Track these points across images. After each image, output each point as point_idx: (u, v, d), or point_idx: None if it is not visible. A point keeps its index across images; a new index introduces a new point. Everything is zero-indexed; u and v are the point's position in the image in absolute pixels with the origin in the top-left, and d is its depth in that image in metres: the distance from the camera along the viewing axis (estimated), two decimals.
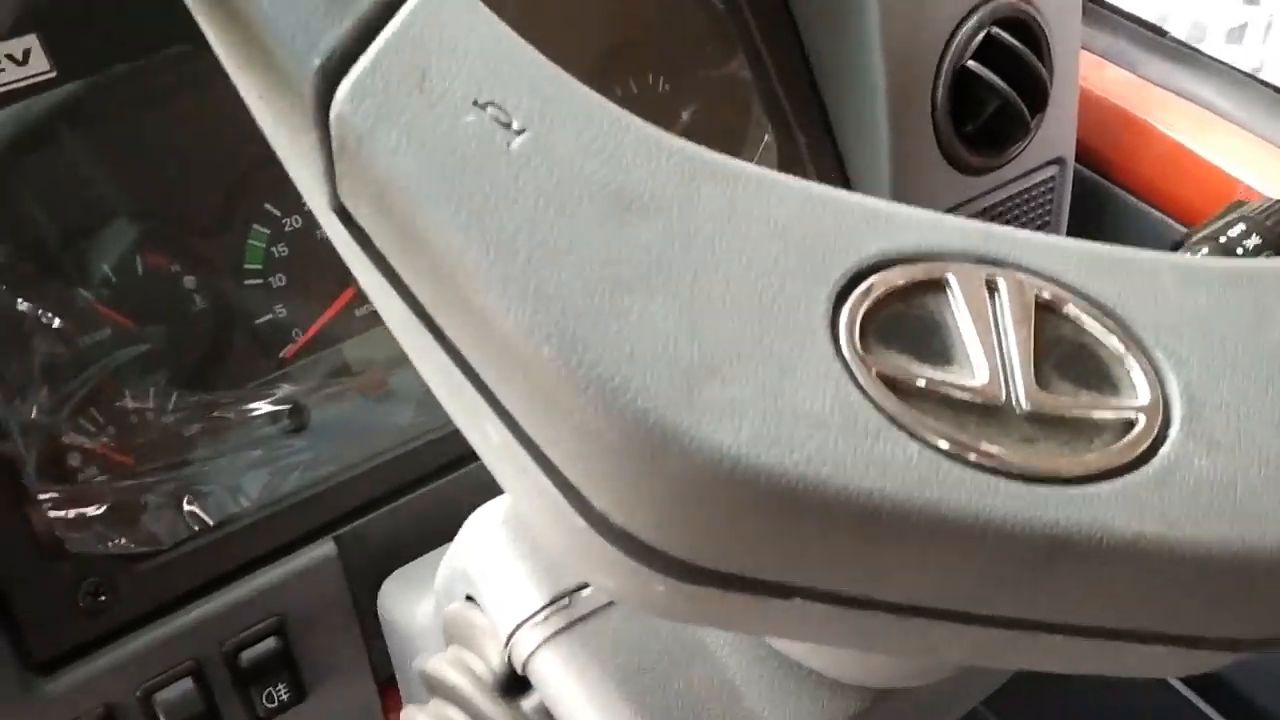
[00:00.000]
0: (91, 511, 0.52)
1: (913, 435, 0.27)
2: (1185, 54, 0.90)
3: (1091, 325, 0.30)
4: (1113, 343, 0.30)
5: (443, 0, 0.29)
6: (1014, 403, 0.28)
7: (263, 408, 0.56)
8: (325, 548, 0.57)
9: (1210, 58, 0.89)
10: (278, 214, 0.57)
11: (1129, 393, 0.29)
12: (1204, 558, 0.27)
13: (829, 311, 0.28)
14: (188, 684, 0.53)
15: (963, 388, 0.28)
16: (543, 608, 0.40)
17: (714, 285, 0.28)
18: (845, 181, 0.74)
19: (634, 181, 0.29)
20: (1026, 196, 0.82)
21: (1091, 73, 0.90)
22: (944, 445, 0.27)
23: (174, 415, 0.54)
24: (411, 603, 0.57)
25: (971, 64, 0.71)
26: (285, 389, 0.57)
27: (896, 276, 0.29)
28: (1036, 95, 0.74)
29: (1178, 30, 0.91)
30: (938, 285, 0.30)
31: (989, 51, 0.72)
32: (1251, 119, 0.85)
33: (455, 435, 0.32)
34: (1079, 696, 0.98)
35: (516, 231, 0.27)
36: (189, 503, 0.54)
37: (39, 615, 0.50)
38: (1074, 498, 0.27)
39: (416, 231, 0.27)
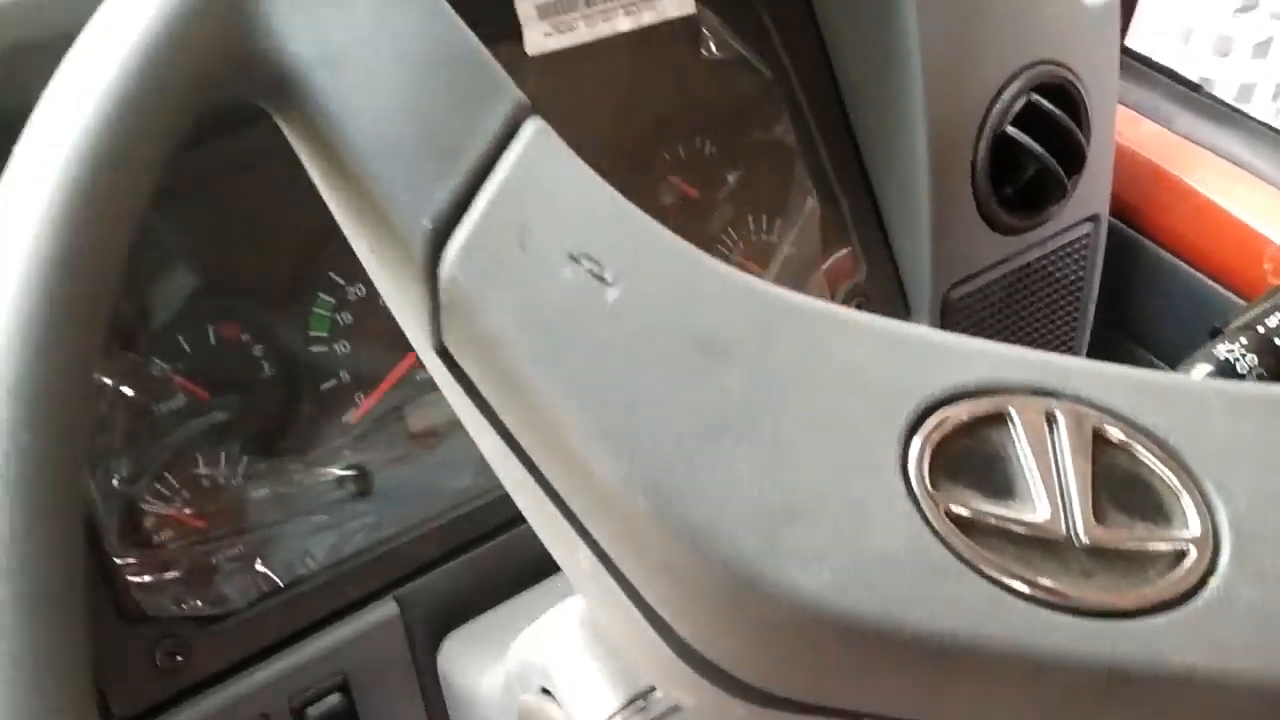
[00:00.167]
0: (168, 576, 0.54)
1: (980, 573, 0.29)
2: (1219, 110, 0.91)
3: (1145, 456, 0.32)
4: (1165, 473, 0.32)
5: (538, 155, 0.32)
6: (1073, 537, 0.30)
7: (329, 474, 0.58)
8: (387, 607, 0.59)
9: (1243, 114, 0.91)
10: (342, 283, 0.59)
11: (1180, 524, 0.31)
12: (1254, 687, 0.29)
13: (900, 450, 0.30)
14: None
15: (1026, 524, 0.30)
16: (619, 709, 0.42)
17: (793, 429, 0.30)
18: (885, 242, 0.76)
19: (718, 327, 0.31)
20: (1061, 253, 0.83)
21: (1126, 127, 0.91)
22: (1009, 582, 0.29)
23: (245, 480, 0.57)
24: (470, 662, 0.59)
25: (1011, 130, 0.73)
26: (350, 455, 0.59)
27: (961, 412, 0.31)
28: (1074, 159, 0.76)
29: (1225, 93, 0.92)
30: (1000, 418, 0.32)
31: (1028, 116, 0.74)
32: None
33: (509, 497, 0.34)
34: None
35: (613, 385, 0.29)
36: (260, 564, 0.56)
37: (119, 676, 0.52)
38: (1130, 631, 0.29)
39: (518, 383, 0.30)
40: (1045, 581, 0.29)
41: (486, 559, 0.62)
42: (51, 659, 0.24)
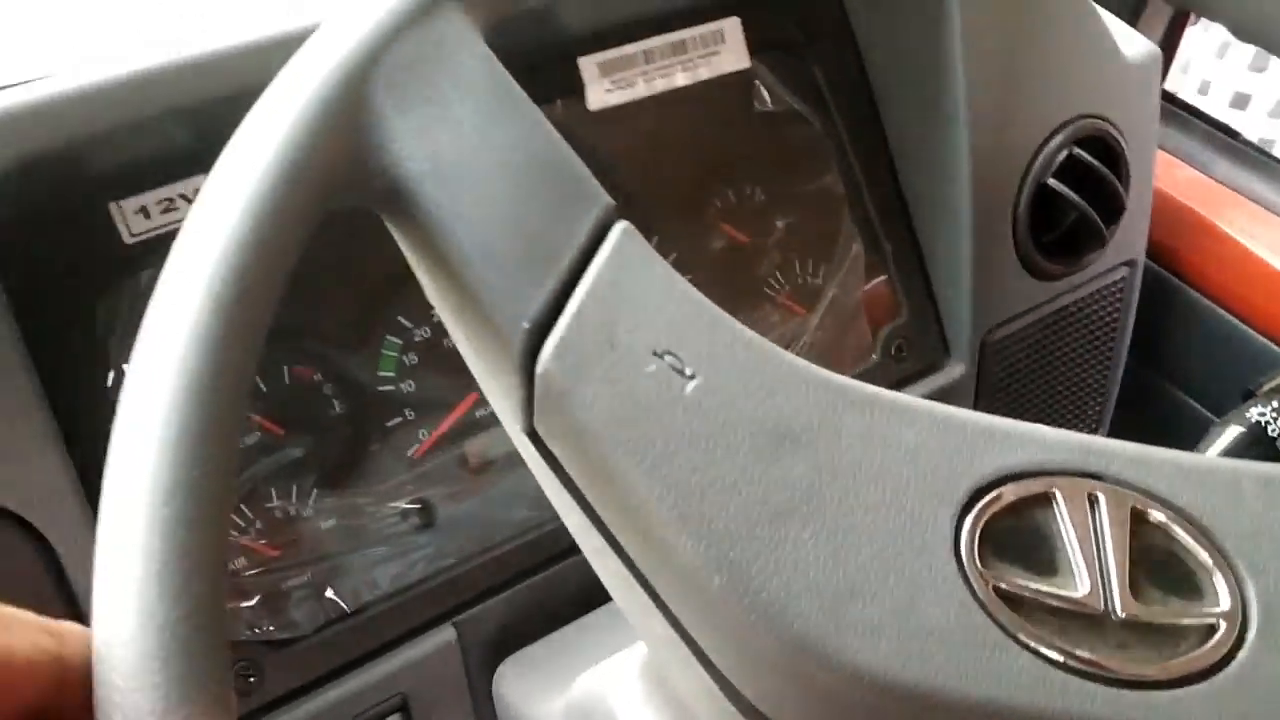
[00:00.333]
0: (245, 603, 0.57)
1: (1023, 645, 0.31)
2: (1256, 157, 0.93)
3: (1180, 535, 0.34)
4: (1199, 552, 0.34)
5: (624, 258, 0.35)
6: (1111, 611, 0.33)
7: (394, 507, 0.61)
8: (446, 633, 0.62)
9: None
10: (409, 326, 0.62)
11: (1212, 599, 0.33)
12: None
13: (952, 530, 0.33)
14: None
15: (1067, 598, 0.33)
16: None
17: (854, 511, 0.33)
18: (927, 287, 0.78)
19: (787, 417, 0.34)
20: (1097, 296, 0.85)
21: (1165, 172, 0.93)
22: (1049, 653, 0.31)
23: (315, 513, 0.60)
24: (524, 687, 0.62)
25: (1052, 182, 0.75)
26: (413, 489, 0.62)
27: (1009, 493, 0.34)
28: (1112, 208, 0.78)
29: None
30: (1045, 499, 0.34)
31: (1069, 168, 0.76)
32: None
33: (564, 528, 0.38)
34: None
35: (691, 472, 0.32)
36: (328, 592, 0.59)
37: None
38: (1160, 701, 0.32)
39: (604, 469, 0.33)
40: (1083, 653, 0.32)
41: (541, 588, 0.65)
42: None
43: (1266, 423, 0.51)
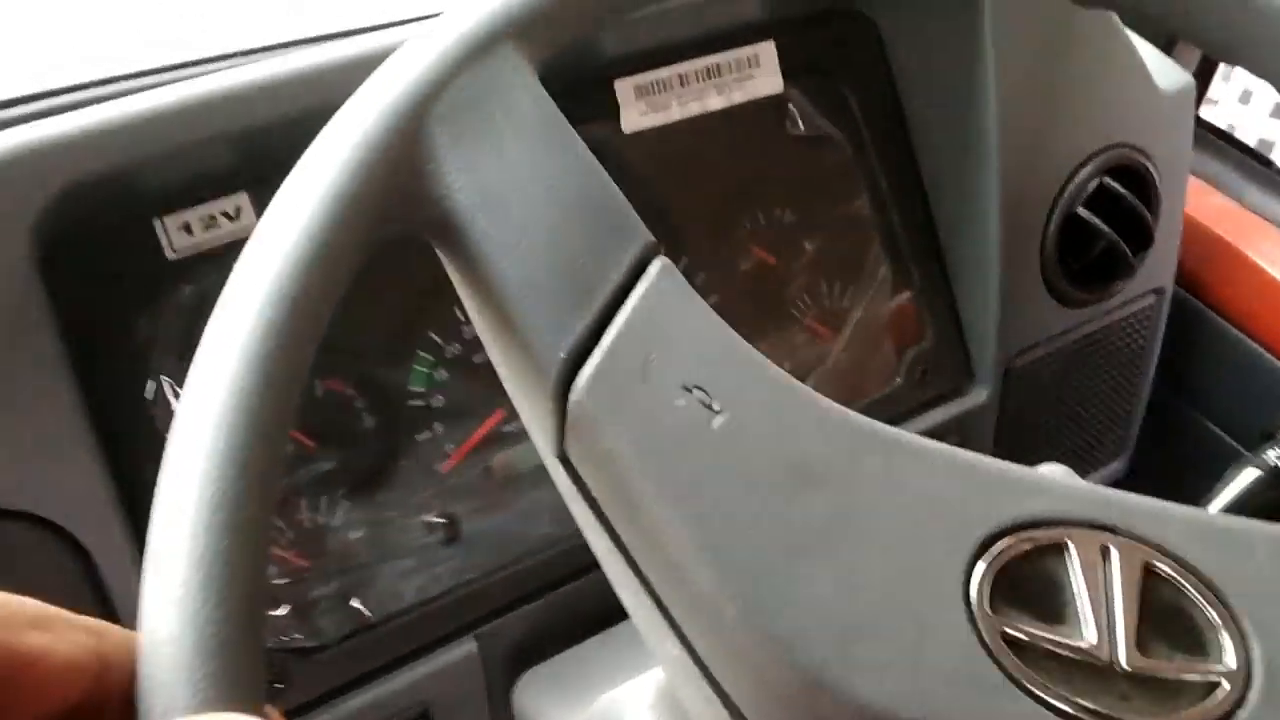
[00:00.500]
0: (274, 613, 0.59)
1: (1027, 692, 0.32)
2: None
3: (1190, 591, 0.35)
4: (1207, 609, 0.35)
5: (661, 293, 0.36)
6: (1116, 663, 0.33)
7: (421, 520, 0.63)
8: (468, 645, 0.63)
9: None
10: (440, 342, 0.63)
11: (1217, 657, 0.34)
12: None
13: (963, 574, 0.34)
14: None
15: (1073, 648, 0.33)
16: None
17: (869, 551, 0.33)
18: (953, 311, 0.78)
19: (809, 455, 0.34)
20: (1124, 324, 0.86)
21: (1196, 198, 0.93)
22: (1052, 701, 0.32)
23: (344, 524, 0.61)
24: (542, 700, 0.63)
25: (1082, 211, 0.76)
26: (439, 503, 0.63)
27: (1023, 542, 0.35)
28: (1141, 238, 0.78)
29: None
30: (1058, 549, 0.35)
31: (1099, 197, 0.77)
32: None
33: (585, 544, 0.39)
34: None
35: (713, 504, 0.33)
36: (355, 601, 0.61)
37: None
38: None
39: (630, 497, 0.34)
40: (1085, 702, 0.32)
41: (562, 602, 0.66)
42: None
43: None
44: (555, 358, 0.34)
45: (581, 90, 0.63)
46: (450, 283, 0.38)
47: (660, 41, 0.66)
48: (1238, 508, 0.66)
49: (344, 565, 0.61)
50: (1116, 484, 0.93)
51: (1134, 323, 0.87)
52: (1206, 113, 0.98)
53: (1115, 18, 0.74)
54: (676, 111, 0.67)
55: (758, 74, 0.69)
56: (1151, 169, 0.78)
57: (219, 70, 0.54)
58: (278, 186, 0.35)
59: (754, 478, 0.34)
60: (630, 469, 0.34)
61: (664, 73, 0.66)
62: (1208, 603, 0.35)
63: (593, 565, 0.58)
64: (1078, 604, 0.34)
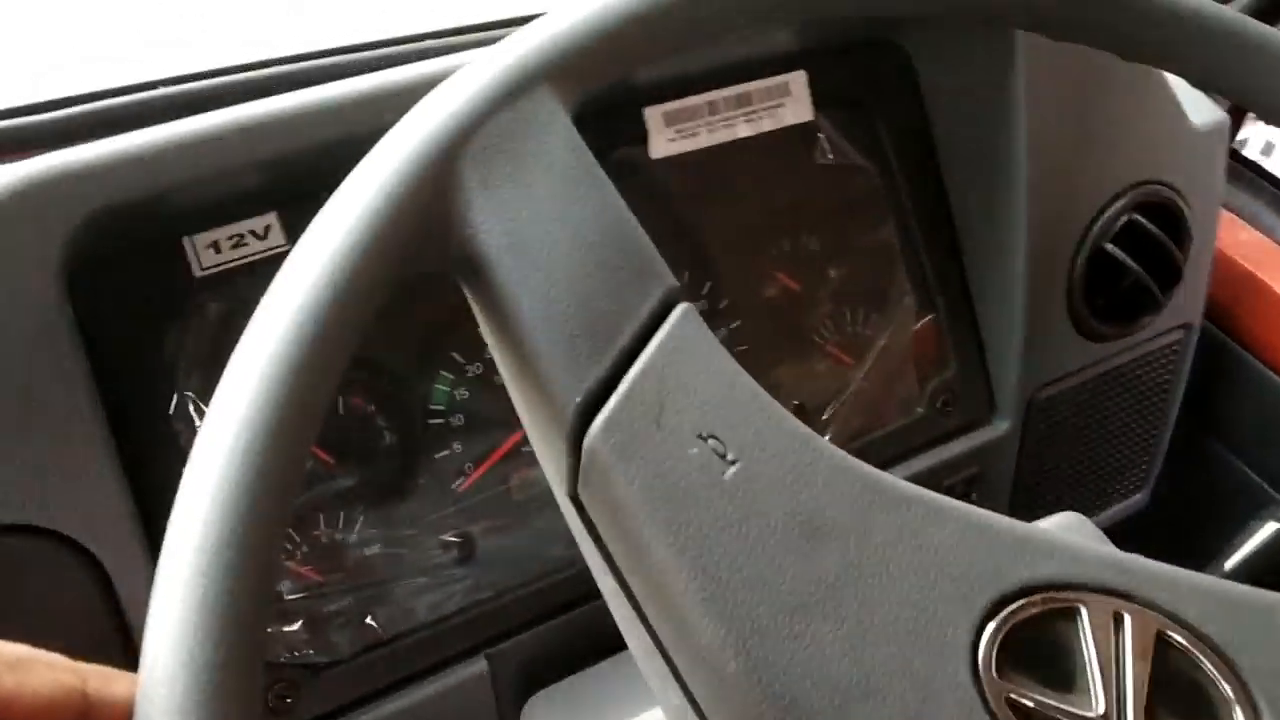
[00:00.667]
0: (286, 628, 0.59)
1: None
2: None
3: (1204, 663, 0.35)
4: (1220, 682, 0.34)
5: (681, 340, 0.36)
6: None
7: (437, 539, 0.63)
8: (478, 665, 0.64)
9: None
10: (462, 361, 0.64)
11: None
12: None
13: (971, 636, 0.34)
14: None
15: (1081, 717, 0.33)
16: None
17: (876, 610, 0.33)
18: (977, 342, 0.78)
19: (822, 510, 0.34)
20: (1150, 359, 0.85)
21: (1226, 232, 0.92)
22: None
23: (360, 541, 0.61)
24: None
25: (1110, 247, 0.75)
26: (456, 521, 0.63)
27: (1035, 605, 0.35)
28: (1170, 275, 0.78)
29: None
30: (1070, 613, 0.35)
31: (1128, 232, 0.76)
32: None
33: None
34: None
35: (720, 557, 0.33)
36: (367, 619, 0.61)
37: None
38: None
39: (638, 544, 0.34)
40: None
41: (574, 625, 0.66)
42: None
43: None
44: (572, 401, 0.35)
45: (611, 115, 0.63)
46: None
47: (691, 69, 0.66)
48: (1256, 563, 0.65)
49: (358, 581, 0.61)
50: (1136, 518, 0.92)
51: (1160, 358, 0.86)
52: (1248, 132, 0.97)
53: None
54: (705, 139, 0.67)
55: (788, 103, 0.69)
56: (1183, 206, 0.78)
57: (214, 81, 0.54)
58: (306, 207, 0.35)
59: (763, 530, 0.34)
60: (640, 516, 0.34)
61: (694, 100, 0.66)
62: (1221, 676, 0.34)
63: None
64: (1088, 671, 0.34)
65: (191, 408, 0.55)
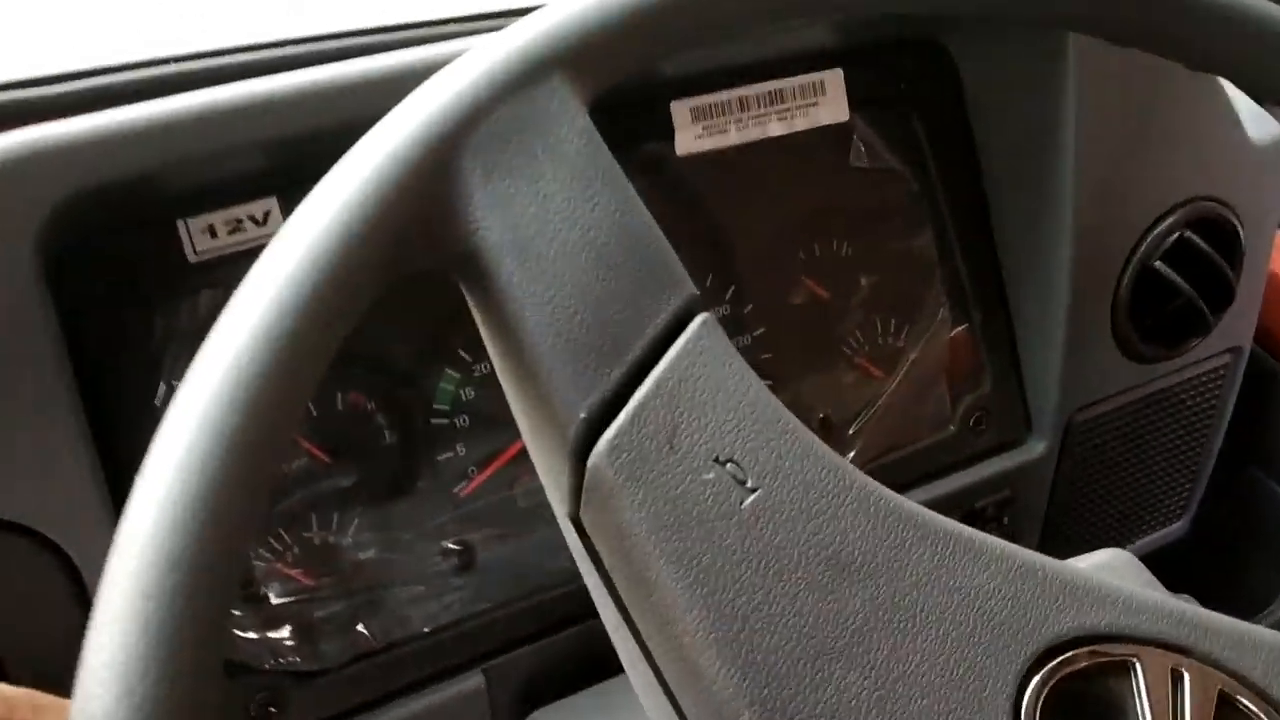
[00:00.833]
0: (273, 634, 0.56)
1: None
2: None
3: None
4: None
5: (699, 354, 0.32)
6: None
7: (436, 546, 0.60)
8: (474, 679, 0.61)
9: None
10: (469, 359, 0.60)
11: None
12: None
13: (1014, 690, 0.30)
14: None
15: None
16: None
17: (909, 658, 0.30)
18: (1014, 359, 0.74)
19: (850, 544, 0.31)
20: (1196, 382, 0.81)
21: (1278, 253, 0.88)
22: None
23: (354, 544, 0.58)
24: None
25: (1159, 265, 0.71)
26: (457, 528, 0.60)
27: (1085, 657, 0.31)
28: (1222, 296, 0.74)
29: None
30: (1123, 668, 0.31)
31: (1178, 250, 0.72)
32: None
33: None
34: None
35: (736, 594, 0.30)
36: (359, 626, 0.58)
37: None
38: None
39: (644, 575, 0.30)
40: None
41: (575, 641, 0.63)
42: None
43: None
44: (576, 415, 0.31)
45: (635, 108, 0.60)
46: None
47: (722, 63, 0.62)
48: None
49: (351, 587, 0.58)
50: (1175, 546, 0.88)
51: (1207, 381, 0.82)
52: None
53: None
54: (734, 136, 0.63)
55: (823, 102, 0.65)
56: (1237, 224, 0.74)
57: (204, 64, 0.51)
58: (307, 191, 0.32)
59: (785, 566, 0.31)
60: (647, 544, 0.31)
61: (723, 95, 0.63)
62: None
63: None
64: None
65: None
